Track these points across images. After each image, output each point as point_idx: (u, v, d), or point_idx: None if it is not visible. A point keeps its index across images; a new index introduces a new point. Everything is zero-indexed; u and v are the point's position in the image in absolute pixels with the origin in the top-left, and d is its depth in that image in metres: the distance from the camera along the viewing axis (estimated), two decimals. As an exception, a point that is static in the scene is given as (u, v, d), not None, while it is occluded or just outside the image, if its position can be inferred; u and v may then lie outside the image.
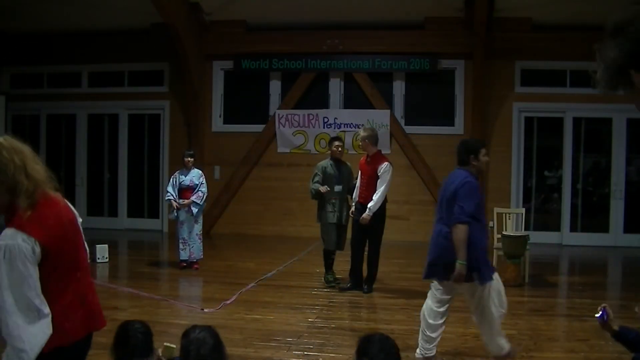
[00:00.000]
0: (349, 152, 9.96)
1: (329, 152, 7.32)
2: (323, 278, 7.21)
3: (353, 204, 6.97)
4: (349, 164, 7.37)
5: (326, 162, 7.19)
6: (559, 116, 10.75)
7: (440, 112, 11.11)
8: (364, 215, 6.60)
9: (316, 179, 7.10)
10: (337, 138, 7.58)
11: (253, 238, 11.07)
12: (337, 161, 7.18)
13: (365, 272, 6.97)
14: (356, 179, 7.05)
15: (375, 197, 6.58)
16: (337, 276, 7.25)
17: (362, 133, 6.96)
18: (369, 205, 6.59)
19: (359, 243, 6.86)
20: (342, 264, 7.34)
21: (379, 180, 6.63)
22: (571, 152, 10.72)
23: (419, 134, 10.99)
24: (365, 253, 6.95)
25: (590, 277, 8.11)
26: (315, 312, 5.88)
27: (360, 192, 6.85)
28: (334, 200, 7.02)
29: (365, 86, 11.12)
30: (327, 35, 11.09)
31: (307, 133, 11.28)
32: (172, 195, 8.03)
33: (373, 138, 6.83)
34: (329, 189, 6.96)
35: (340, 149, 7.16)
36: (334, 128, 11.14)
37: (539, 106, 10.74)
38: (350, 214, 6.96)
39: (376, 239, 6.85)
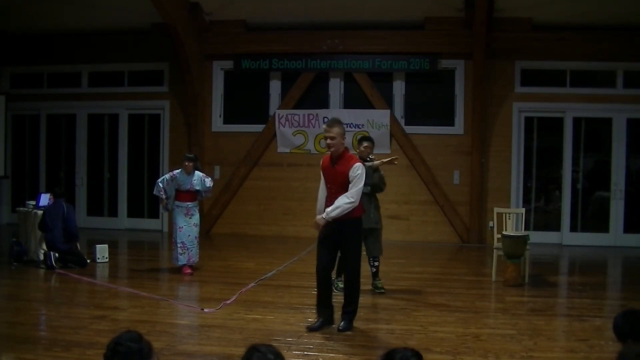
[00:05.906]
0: (351, 152, 9.90)
1: (358, 152, 6.64)
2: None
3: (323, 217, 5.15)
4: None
5: None
6: (559, 116, 10.75)
7: (440, 112, 11.12)
8: (317, 218, 5.19)
9: None
10: (367, 138, 6.92)
11: (253, 238, 11.07)
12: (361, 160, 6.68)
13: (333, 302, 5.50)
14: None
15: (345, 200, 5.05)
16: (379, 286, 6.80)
17: (333, 129, 5.13)
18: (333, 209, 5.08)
19: (328, 264, 5.34)
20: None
21: (351, 185, 5.10)
22: (571, 152, 10.72)
23: (419, 134, 11.00)
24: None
25: (590, 277, 8.10)
26: (315, 312, 5.86)
27: (328, 204, 5.21)
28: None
29: (365, 86, 11.12)
30: (327, 35, 11.09)
31: (307, 133, 11.28)
32: (163, 191, 7.72)
33: (343, 132, 5.25)
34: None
35: (369, 150, 6.68)
36: (334, 128, 11.12)
37: (539, 106, 10.74)
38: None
39: (355, 256, 5.28)
